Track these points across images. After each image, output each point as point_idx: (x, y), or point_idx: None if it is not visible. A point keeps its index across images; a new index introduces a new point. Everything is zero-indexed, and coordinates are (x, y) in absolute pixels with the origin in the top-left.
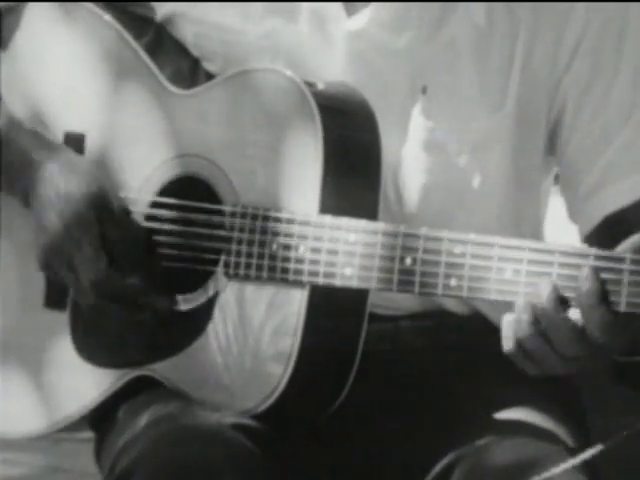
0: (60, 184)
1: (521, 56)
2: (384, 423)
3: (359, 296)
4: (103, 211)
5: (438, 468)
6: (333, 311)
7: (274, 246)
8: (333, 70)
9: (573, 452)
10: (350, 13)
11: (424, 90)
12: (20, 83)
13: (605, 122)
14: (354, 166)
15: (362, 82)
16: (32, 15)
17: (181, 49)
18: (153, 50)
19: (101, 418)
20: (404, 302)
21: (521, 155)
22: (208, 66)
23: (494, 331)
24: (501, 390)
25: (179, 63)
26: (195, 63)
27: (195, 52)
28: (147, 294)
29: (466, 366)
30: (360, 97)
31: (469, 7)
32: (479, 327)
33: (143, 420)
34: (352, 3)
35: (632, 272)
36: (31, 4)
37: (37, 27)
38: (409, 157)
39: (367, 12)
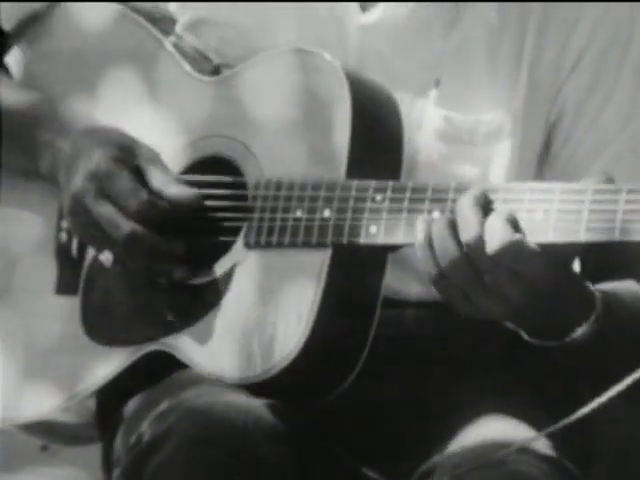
0: (92, 150)
1: (529, 57)
2: (381, 410)
3: (379, 260)
4: (131, 160)
5: (418, 473)
6: (354, 273)
7: (299, 211)
8: (347, 63)
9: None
10: (364, 8)
11: (437, 83)
12: (43, 78)
13: (599, 133)
14: (379, 137)
15: (374, 75)
16: (61, 15)
17: (202, 54)
18: (177, 47)
19: (108, 418)
20: (414, 288)
21: (525, 151)
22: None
23: (500, 332)
24: (493, 394)
25: (201, 64)
26: (216, 68)
27: (217, 59)
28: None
29: (464, 364)
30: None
31: (483, 6)
32: (483, 325)
33: (163, 406)
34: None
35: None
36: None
37: (67, 27)
38: (424, 146)
39: (381, 7)
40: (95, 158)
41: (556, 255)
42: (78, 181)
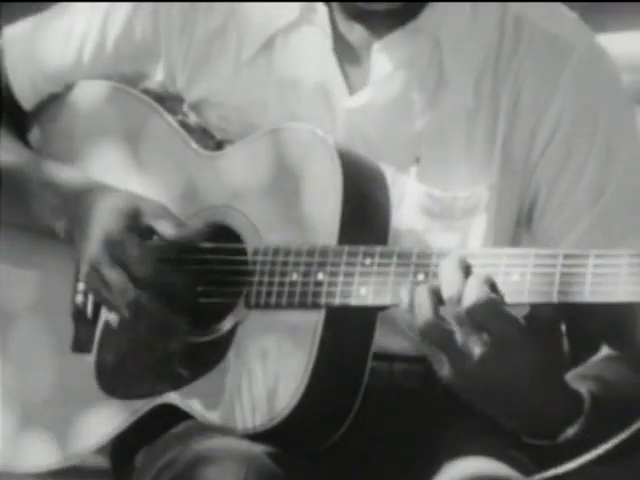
0: (106, 217)
1: (502, 138)
2: (374, 458)
3: (369, 318)
4: (142, 227)
5: None
6: (345, 331)
7: (294, 275)
8: (335, 139)
9: None
10: (352, 91)
11: (418, 160)
12: (58, 155)
13: (571, 208)
14: (368, 207)
15: (360, 151)
16: (78, 93)
17: (206, 131)
18: (183, 125)
19: (121, 464)
20: (400, 344)
21: (500, 223)
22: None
23: None
24: (477, 438)
25: (205, 141)
26: (219, 143)
27: (218, 134)
28: (171, 320)
29: (452, 414)
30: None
31: (459, 90)
32: None
33: (169, 455)
34: (353, 82)
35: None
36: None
37: (82, 104)
38: (406, 218)
39: (367, 91)
40: (108, 226)
41: (530, 322)
42: (93, 248)
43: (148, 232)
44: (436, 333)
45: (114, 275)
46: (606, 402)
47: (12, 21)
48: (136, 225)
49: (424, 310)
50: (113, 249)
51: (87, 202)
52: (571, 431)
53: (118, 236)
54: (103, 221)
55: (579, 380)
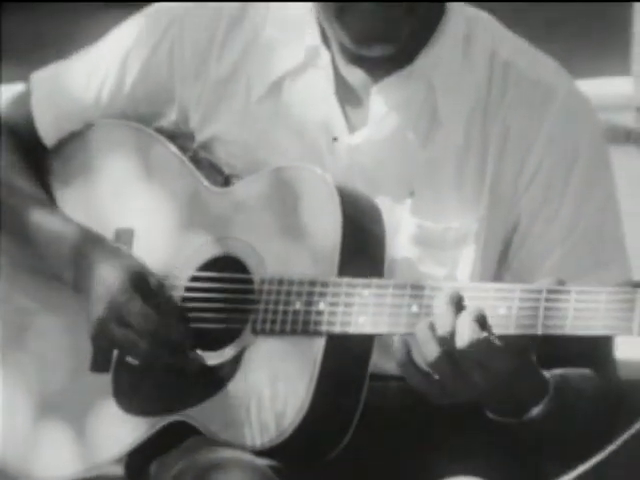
0: (109, 279)
1: (490, 174)
2: (372, 470)
3: (366, 345)
4: (142, 287)
5: None
6: (345, 356)
7: (298, 304)
8: (335, 175)
9: None
10: (352, 130)
11: (412, 194)
12: (76, 190)
13: (549, 239)
14: (365, 241)
15: (359, 185)
16: (97, 131)
17: (215, 167)
18: (194, 161)
19: (136, 474)
20: (392, 368)
21: (487, 253)
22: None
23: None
24: (464, 456)
25: (215, 176)
26: (227, 178)
27: (227, 170)
28: (183, 349)
29: (438, 429)
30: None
31: (451, 130)
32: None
33: (180, 465)
34: (354, 122)
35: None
36: (96, 125)
37: (100, 142)
38: (400, 248)
39: (366, 130)
40: (112, 287)
41: (516, 348)
42: (100, 309)
43: (148, 292)
44: (444, 365)
45: (121, 334)
46: (567, 392)
47: (12, 21)
48: (137, 286)
49: (431, 347)
50: (118, 310)
51: (92, 257)
52: (535, 411)
53: (122, 297)
54: (107, 281)
55: (546, 372)
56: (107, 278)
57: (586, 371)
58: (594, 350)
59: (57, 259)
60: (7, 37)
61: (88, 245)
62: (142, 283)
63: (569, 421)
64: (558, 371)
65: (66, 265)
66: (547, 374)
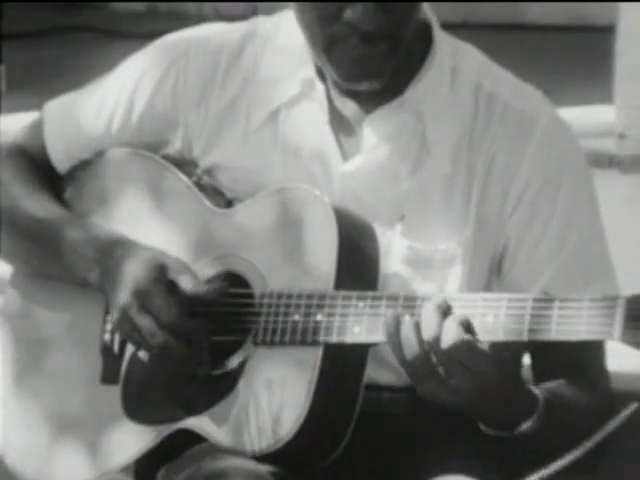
0: (135, 270)
1: (476, 200)
2: (367, 476)
3: (361, 354)
4: (165, 279)
5: None
6: (341, 365)
7: (296, 316)
8: (331, 198)
9: None
10: (346, 158)
11: (402, 218)
12: (89, 216)
13: (536, 260)
14: (360, 257)
15: (352, 210)
16: (107, 159)
17: (218, 191)
18: (198, 186)
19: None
20: (385, 376)
21: (473, 274)
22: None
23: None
24: (458, 460)
25: (217, 199)
26: (229, 201)
27: (229, 194)
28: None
29: (435, 437)
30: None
31: (439, 159)
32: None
33: (186, 472)
34: (347, 150)
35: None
36: (106, 153)
37: (110, 169)
38: (392, 267)
39: (359, 159)
40: (137, 278)
41: (500, 354)
42: (124, 296)
43: (171, 284)
44: (422, 365)
45: (143, 320)
46: (557, 409)
47: (12, 21)
48: (161, 277)
49: (411, 343)
50: (142, 298)
51: (118, 255)
52: (525, 425)
53: (146, 286)
54: (132, 273)
55: (537, 388)
56: (133, 270)
57: (579, 384)
58: (586, 363)
59: (83, 263)
60: (10, 68)
61: (113, 245)
62: (165, 275)
63: (562, 435)
64: (551, 385)
65: (93, 267)
66: (537, 390)
